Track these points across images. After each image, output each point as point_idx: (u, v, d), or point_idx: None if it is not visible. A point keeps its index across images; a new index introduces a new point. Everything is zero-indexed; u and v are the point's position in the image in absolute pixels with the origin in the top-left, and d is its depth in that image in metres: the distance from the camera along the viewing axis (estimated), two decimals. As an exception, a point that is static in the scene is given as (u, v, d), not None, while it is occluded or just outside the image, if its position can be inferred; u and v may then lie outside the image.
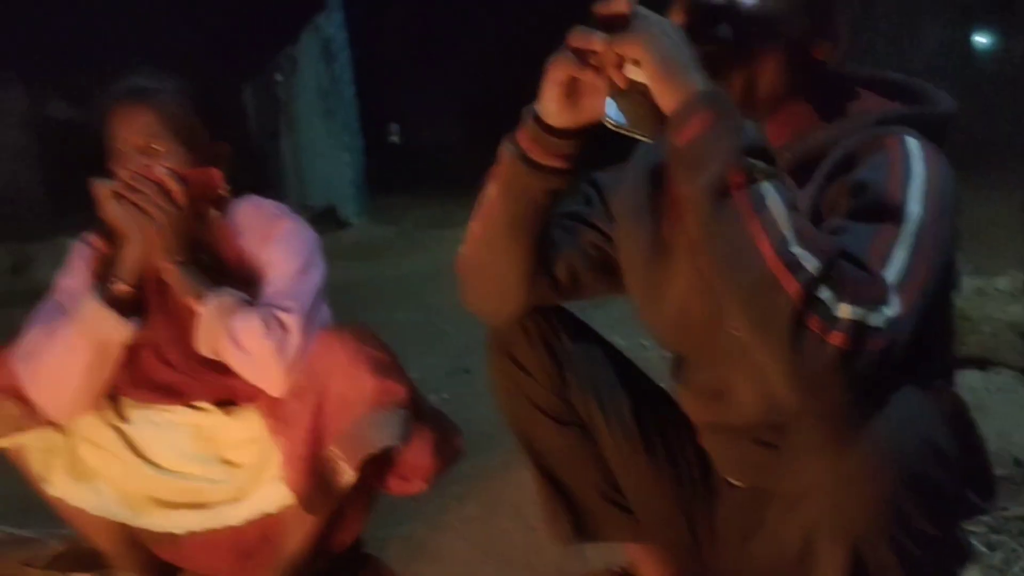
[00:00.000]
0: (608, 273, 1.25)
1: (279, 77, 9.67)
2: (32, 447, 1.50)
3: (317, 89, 8.58)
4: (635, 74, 0.95)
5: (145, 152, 1.48)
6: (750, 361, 0.92)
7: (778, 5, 1.05)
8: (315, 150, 8.96)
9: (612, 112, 0.99)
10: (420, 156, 15.15)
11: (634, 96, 0.96)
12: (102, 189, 1.48)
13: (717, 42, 1.01)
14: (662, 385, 1.37)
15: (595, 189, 1.27)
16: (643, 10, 0.96)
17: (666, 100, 0.94)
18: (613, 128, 1.00)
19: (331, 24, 8.00)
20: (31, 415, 1.47)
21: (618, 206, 1.23)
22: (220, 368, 1.47)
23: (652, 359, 1.50)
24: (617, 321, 2.30)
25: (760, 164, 0.91)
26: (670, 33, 0.95)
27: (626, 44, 0.95)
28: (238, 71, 8.60)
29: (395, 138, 17.51)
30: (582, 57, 0.98)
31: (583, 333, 1.32)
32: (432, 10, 14.93)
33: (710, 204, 0.91)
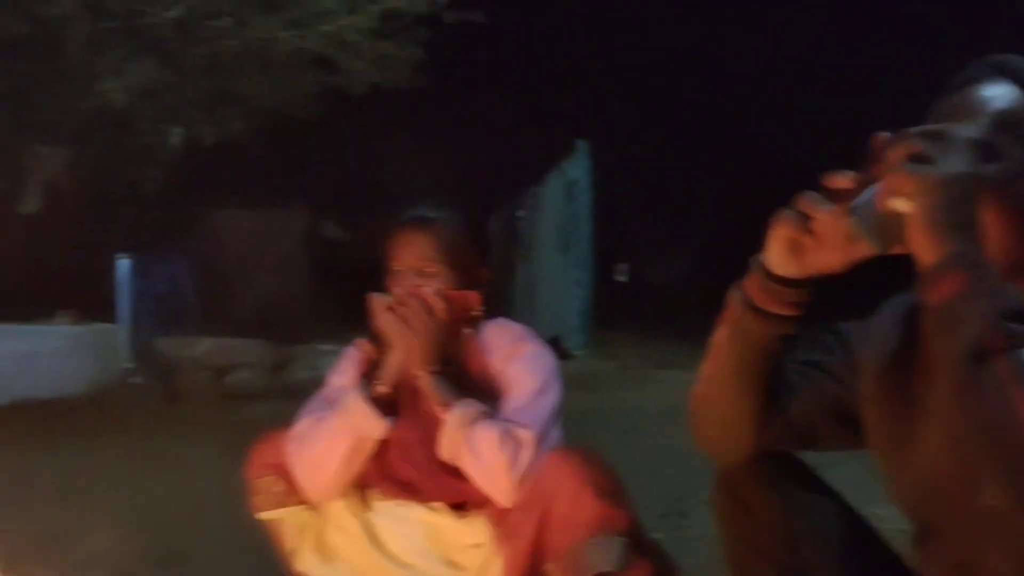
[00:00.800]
0: (847, 426, 1.22)
1: (521, 213, 10.32)
2: (289, 522, 1.68)
3: (556, 226, 9.05)
4: (899, 204, 0.95)
5: (419, 273, 1.67)
6: (1009, 536, 0.87)
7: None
8: (548, 282, 9.36)
9: (860, 209, 0.98)
10: (646, 296, 15.30)
11: (887, 217, 0.96)
12: (378, 302, 1.68)
13: None
14: (899, 554, 1.29)
15: (838, 339, 1.26)
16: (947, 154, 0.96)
17: (922, 251, 0.94)
18: (851, 227, 0.99)
19: (576, 168, 8.48)
20: (293, 493, 1.66)
21: (866, 358, 1.21)
22: (457, 473, 1.58)
23: (888, 531, 1.41)
24: (847, 485, 2.18)
25: (1022, 329, 0.88)
26: (959, 187, 0.94)
27: (912, 178, 0.94)
28: (487, 205, 9.32)
29: (622, 277, 17.80)
30: (805, 221, 1.03)
31: (817, 486, 1.28)
32: (672, 160, 15.42)
33: (967, 368, 0.89)
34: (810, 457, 1.30)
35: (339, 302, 8.62)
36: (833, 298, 1.14)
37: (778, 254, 1.08)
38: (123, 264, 6.98)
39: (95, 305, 6.68)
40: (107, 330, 6.38)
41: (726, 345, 1.18)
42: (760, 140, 14.96)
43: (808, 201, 1.02)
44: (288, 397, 5.72)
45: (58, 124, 6.45)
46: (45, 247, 7.32)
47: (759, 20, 14.46)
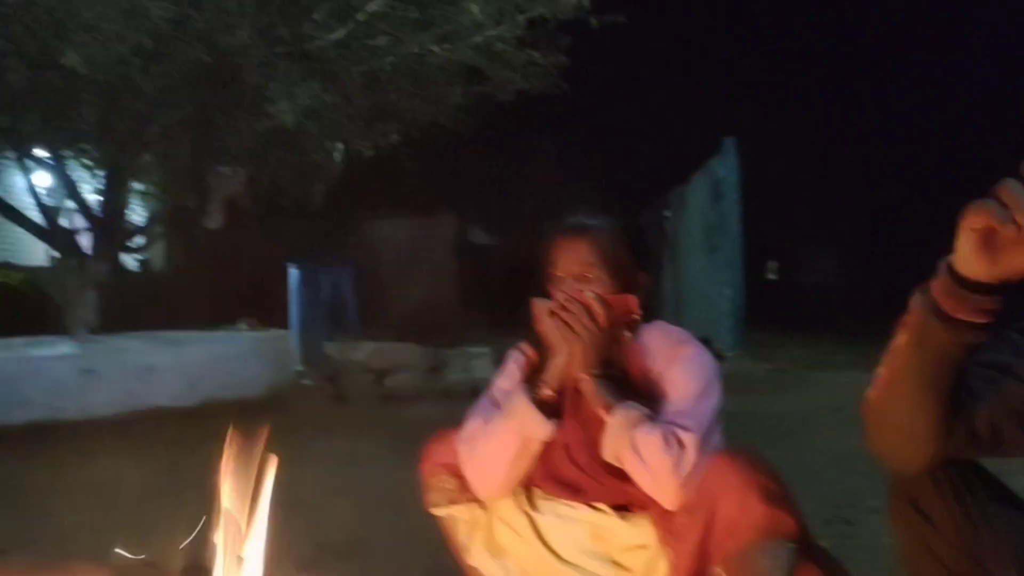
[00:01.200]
0: None
1: (667, 213, 10.20)
2: (460, 519, 1.76)
3: (703, 226, 8.89)
4: None
5: (579, 278, 1.72)
6: None
7: None
8: (696, 283, 9.21)
9: None
10: (798, 295, 14.75)
11: None
12: (541, 307, 1.74)
13: None
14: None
15: None
16: None
17: None
18: None
19: (724, 166, 8.31)
20: (464, 491, 1.74)
21: None
22: (620, 475, 1.61)
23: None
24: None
25: None
26: None
27: None
28: (634, 206, 9.29)
29: (772, 275, 17.26)
30: (1006, 211, 0.96)
31: (1003, 495, 1.23)
32: (823, 155, 14.81)
33: None
34: (991, 464, 1.26)
35: (488, 306, 8.87)
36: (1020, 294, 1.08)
37: (969, 252, 1.01)
38: (293, 273, 7.45)
39: (270, 311, 7.18)
40: (281, 335, 6.82)
41: (908, 351, 1.14)
42: (914, 136, 14.13)
43: (1011, 189, 0.95)
44: (445, 398, 5.97)
45: (236, 146, 6.98)
46: (226, 259, 7.94)
47: (913, 12, 13.67)
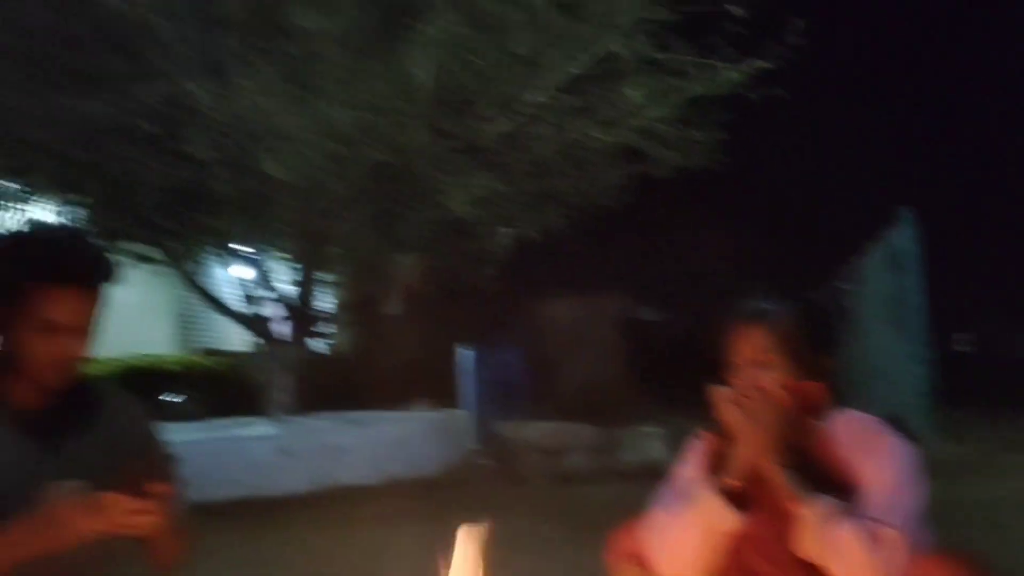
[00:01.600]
0: None
1: (845, 287, 9.77)
2: (644, 611, 1.75)
3: (883, 299, 8.44)
4: None
5: (758, 365, 1.70)
6: None
7: None
8: (880, 360, 8.69)
9: None
10: (996, 370, 13.56)
11: None
12: (720, 395, 1.73)
13: None
14: None
15: None
16: None
17: None
18: None
19: (902, 237, 7.93)
20: (649, 581, 1.74)
21: None
22: (815, 570, 1.56)
23: None
24: None
25: None
26: None
27: None
28: (806, 281, 8.98)
29: (965, 348, 16.02)
30: None
31: None
32: (1014, 221, 13.74)
33: None
34: None
35: (657, 384, 8.74)
36: None
37: None
38: (465, 354, 7.72)
39: (443, 392, 7.44)
40: (455, 415, 7.05)
41: None
42: None
43: None
44: (619, 479, 5.89)
45: (413, 236, 7.43)
46: (404, 342, 8.35)
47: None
